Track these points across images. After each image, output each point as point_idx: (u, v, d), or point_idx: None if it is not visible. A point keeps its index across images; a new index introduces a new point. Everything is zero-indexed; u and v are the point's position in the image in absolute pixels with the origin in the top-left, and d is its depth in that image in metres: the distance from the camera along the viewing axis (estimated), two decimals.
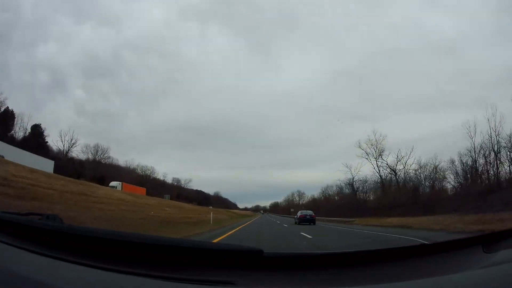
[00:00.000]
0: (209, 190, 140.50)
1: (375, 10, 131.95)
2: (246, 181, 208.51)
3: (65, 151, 71.77)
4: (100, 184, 47.51)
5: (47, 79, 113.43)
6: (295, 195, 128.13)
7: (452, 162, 51.42)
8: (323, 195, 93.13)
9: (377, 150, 64.40)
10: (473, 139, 46.61)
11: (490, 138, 44.78)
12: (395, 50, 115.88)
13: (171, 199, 74.28)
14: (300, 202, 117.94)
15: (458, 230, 15.78)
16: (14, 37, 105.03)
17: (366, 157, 64.82)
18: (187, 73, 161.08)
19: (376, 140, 64.05)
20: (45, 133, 64.44)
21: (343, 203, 72.78)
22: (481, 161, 47.01)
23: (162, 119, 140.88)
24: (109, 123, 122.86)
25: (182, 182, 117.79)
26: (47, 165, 43.00)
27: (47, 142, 64.67)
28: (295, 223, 32.26)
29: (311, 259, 1.47)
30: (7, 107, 57.40)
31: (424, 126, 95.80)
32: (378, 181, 66.61)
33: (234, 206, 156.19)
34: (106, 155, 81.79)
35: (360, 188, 72.20)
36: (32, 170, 26.41)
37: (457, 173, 51.04)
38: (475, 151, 47.13)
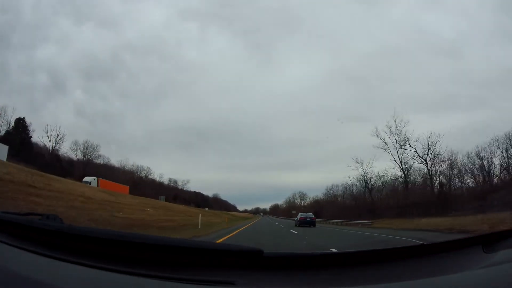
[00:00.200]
0: (208, 192, 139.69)
1: (375, 10, 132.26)
2: (246, 183, 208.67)
3: (51, 148, 68.73)
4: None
5: (46, 80, 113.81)
6: (297, 196, 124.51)
7: (472, 156, 45.11)
8: (327, 196, 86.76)
9: (398, 139, 53.21)
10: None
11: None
12: (395, 50, 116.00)
13: (167, 200, 71.26)
14: (302, 203, 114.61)
15: None
16: (14, 38, 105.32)
17: (384, 147, 53.95)
18: (187, 74, 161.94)
19: (397, 126, 52.66)
20: (31, 128, 62.13)
21: (355, 203, 65.03)
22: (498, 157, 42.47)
23: (161, 120, 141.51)
24: (107, 124, 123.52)
25: (180, 183, 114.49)
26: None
27: (31, 137, 62.48)
28: (295, 225, 32.23)
29: (311, 259, 1.47)
30: None
31: (424, 126, 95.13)
32: (400, 175, 55.55)
33: (233, 208, 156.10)
34: (95, 153, 78.18)
35: (376, 186, 62.92)
36: None
37: (481, 168, 44.53)
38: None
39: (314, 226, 31.23)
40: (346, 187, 74.53)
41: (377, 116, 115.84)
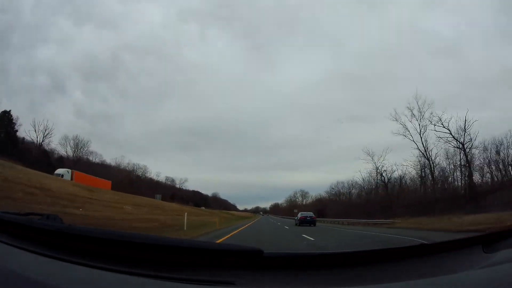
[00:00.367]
0: (208, 191, 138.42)
1: (375, 10, 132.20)
2: (246, 182, 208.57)
3: (38, 142, 64.54)
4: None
5: (46, 81, 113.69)
6: (298, 195, 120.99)
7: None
8: (330, 194, 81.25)
9: (421, 122, 44.01)
10: None
11: None
12: (395, 50, 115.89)
13: (163, 199, 67.00)
14: (304, 202, 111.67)
15: None
16: (13, 38, 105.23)
17: (404, 133, 45.37)
18: (187, 75, 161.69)
19: (420, 109, 43.99)
20: (18, 122, 58.38)
21: (366, 200, 58.76)
22: None
23: (161, 120, 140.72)
24: (106, 124, 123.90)
25: (177, 182, 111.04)
26: None
27: (17, 130, 59.14)
28: (296, 224, 32.27)
29: (311, 259, 1.47)
30: None
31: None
32: (424, 165, 46.65)
33: (233, 207, 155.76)
34: (86, 149, 74.12)
35: (393, 179, 55.45)
36: None
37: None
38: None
39: (315, 225, 31.25)
40: (352, 184, 69.04)
41: (377, 116, 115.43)
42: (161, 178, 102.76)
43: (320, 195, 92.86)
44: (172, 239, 1.68)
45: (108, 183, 57.56)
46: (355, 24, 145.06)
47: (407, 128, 45.57)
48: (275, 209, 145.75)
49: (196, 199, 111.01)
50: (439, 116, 41.51)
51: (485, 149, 40.31)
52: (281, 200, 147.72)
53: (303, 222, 31.11)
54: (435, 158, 44.94)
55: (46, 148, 65.83)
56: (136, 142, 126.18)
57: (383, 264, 1.42)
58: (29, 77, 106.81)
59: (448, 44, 79.98)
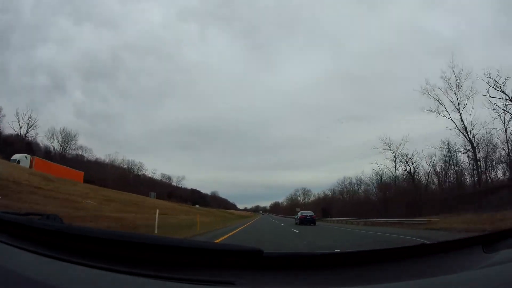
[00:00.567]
0: (208, 190, 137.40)
1: (375, 10, 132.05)
2: (246, 182, 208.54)
3: (22, 134, 61.10)
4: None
5: (46, 81, 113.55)
6: (299, 193, 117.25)
7: None
8: (337, 191, 74.69)
9: (459, 94, 36.79)
10: None
11: None
12: (395, 50, 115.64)
13: (159, 198, 63.97)
14: (306, 200, 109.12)
15: None
16: (13, 38, 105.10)
17: (436, 110, 38.17)
18: (187, 74, 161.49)
19: (456, 78, 36.97)
20: (1, 113, 55.97)
21: (383, 196, 51.41)
22: None
23: (161, 120, 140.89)
24: (106, 124, 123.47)
25: (174, 180, 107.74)
26: None
27: None
28: (296, 223, 32.32)
29: (311, 259, 1.47)
30: None
31: (425, 126, 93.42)
32: (464, 149, 37.81)
33: (233, 206, 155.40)
34: (73, 142, 70.36)
35: (417, 170, 47.64)
36: None
37: None
38: None
39: (314, 224, 31.39)
40: (361, 179, 63.34)
41: (377, 116, 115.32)
42: (157, 175, 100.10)
43: (324, 193, 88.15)
44: (172, 239, 1.68)
45: (80, 174, 51.57)
46: (355, 24, 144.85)
47: (441, 103, 37.58)
48: (276, 208, 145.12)
49: (194, 198, 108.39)
50: (494, 79, 31.08)
51: None
52: (281, 199, 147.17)
53: (303, 221, 31.31)
54: (481, 137, 34.98)
55: (31, 140, 62.80)
56: (136, 142, 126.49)
57: (383, 264, 1.42)
58: (29, 77, 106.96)
59: (448, 44, 79.66)
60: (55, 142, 68.62)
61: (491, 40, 75.48)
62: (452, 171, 43.05)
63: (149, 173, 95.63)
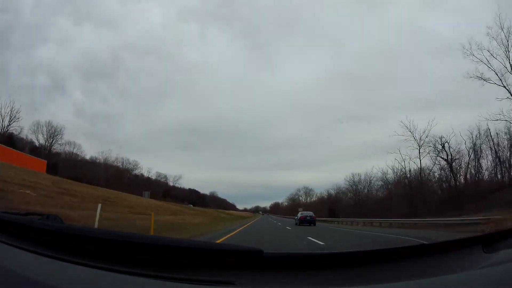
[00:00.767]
0: (207, 190, 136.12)
1: (375, 10, 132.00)
2: (246, 182, 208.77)
3: (4, 126, 56.96)
4: (54, 174, 37.48)
5: (46, 81, 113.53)
6: (301, 192, 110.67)
7: None
8: (342, 190, 68.36)
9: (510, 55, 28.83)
10: None
11: None
12: (395, 49, 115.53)
13: (153, 197, 59.84)
14: (309, 200, 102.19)
15: None
16: (13, 38, 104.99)
17: (482, 76, 30.11)
18: (187, 74, 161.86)
19: (506, 35, 29.43)
20: None
21: (404, 193, 43.71)
22: None
23: (161, 120, 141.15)
24: (106, 124, 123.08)
25: (171, 179, 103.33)
26: None
27: None
28: (296, 224, 32.34)
29: (311, 259, 1.47)
30: None
31: (424, 125, 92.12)
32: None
33: (232, 207, 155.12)
34: (59, 136, 65.33)
35: (460, 157, 37.85)
36: None
37: None
38: None
39: (315, 224, 31.43)
40: (371, 176, 57.03)
41: (377, 116, 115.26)
42: (153, 174, 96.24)
43: (327, 192, 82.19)
44: (172, 239, 1.68)
45: (42, 163, 45.24)
46: (355, 24, 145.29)
47: (489, 65, 29.22)
48: (276, 209, 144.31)
49: (192, 198, 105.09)
50: None
51: None
52: (281, 199, 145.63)
53: (303, 221, 31.42)
54: None
55: (14, 133, 58.46)
56: (136, 141, 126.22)
57: (383, 264, 1.42)
58: (29, 77, 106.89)
59: (448, 44, 79.54)
60: (40, 136, 64.40)
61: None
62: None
63: (144, 172, 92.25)
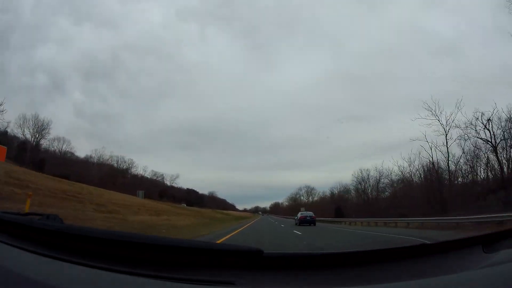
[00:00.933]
0: (206, 191, 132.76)
1: (375, 10, 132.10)
2: (245, 182, 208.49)
3: None
4: (40, 171, 34.80)
5: (45, 81, 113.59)
6: (303, 191, 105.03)
7: None
8: (354, 187, 61.19)
9: None
10: None
11: None
12: (395, 49, 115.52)
13: (149, 197, 57.07)
14: (311, 199, 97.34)
15: None
16: (13, 38, 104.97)
17: None
18: (187, 74, 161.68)
19: None
20: None
21: (437, 187, 35.81)
22: None
23: (161, 120, 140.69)
24: (106, 124, 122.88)
25: (168, 178, 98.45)
26: None
27: None
28: (296, 224, 32.37)
29: (311, 259, 1.47)
30: None
31: (424, 125, 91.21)
32: None
33: (231, 207, 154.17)
34: (46, 130, 60.13)
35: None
36: None
37: None
38: None
39: (314, 224, 31.52)
40: (380, 171, 51.47)
41: (377, 115, 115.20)
42: (149, 173, 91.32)
43: (331, 191, 75.80)
44: (172, 239, 1.68)
45: (2, 150, 41.05)
46: (355, 24, 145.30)
47: None
48: (276, 209, 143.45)
49: (190, 198, 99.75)
50: None
51: None
52: (281, 199, 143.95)
53: (303, 221, 31.52)
54: None
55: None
56: (135, 141, 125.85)
57: (383, 264, 1.42)
58: (28, 77, 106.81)
59: (448, 44, 79.59)
60: (27, 131, 59.02)
61: (491, 39, 75.15)
62: None
63: (140, 171, 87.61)
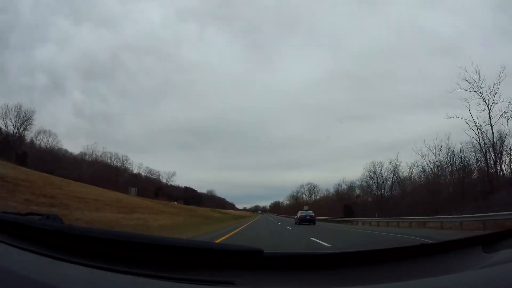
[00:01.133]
0: (204, 189, 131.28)
1: (375, 10, 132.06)
2: (245, 182, 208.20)
3: None
4: (22, 165, 32.92)
5: (45, 81, 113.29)
6: (305, 189, 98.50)
7: None
8: (366, 184, 53.30)
9: None
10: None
11: None
12: (395, 49, 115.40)
13: (142, 195, 53.69)
14: (313, 197, 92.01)
15: None
16: (12, 38, 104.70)
17: None
18: (186, 74, 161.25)
19: None
20: None
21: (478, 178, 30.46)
22: None
23: (161, 120, 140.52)
24: (106, 123, 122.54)
25: (164, 176, 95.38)
26: None
27: None
28: (295, 223, 32.41)
29: (311, 259, 1.47)
30: None
31: (423, 124, 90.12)
32: None
33: (231, 206, 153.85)
34: (29, 120, 55.40)
35: None
36: None
37: None
38: None
39: (314, 223, 31.57)
40: (394, 164, 45.60)
41: (378, 116, 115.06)
42: (143, 170, 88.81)
43: (336, 188, 69.32)
44: (172, 239, 1.68)
45: None
46: (355, 24, 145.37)
47: None
48: (276, 208, 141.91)
49: (187, 196, 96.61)
50: None
51: None
52: (282, 198, 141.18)
53: (303, 221, 31.64)
54: None
55: None
56: (135, 141, 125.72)
57: (383, 264, 1.42)
58: (28, 76, 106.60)
59: (448, 43, 79.47)
60: (9, 122, 54.49)
61: (491, 38, 75.04)
62: None
63: (134, 168, 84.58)
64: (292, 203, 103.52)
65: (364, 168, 54.72)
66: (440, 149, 37.62)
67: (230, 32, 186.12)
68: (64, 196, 24.32)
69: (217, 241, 12.49)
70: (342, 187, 66.11)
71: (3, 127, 53.84)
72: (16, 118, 54.44)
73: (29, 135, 57.52)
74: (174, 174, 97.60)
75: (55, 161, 52.04)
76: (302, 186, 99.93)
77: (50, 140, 62.00)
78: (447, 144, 37.13)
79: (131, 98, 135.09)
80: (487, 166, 30.33)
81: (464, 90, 30.84)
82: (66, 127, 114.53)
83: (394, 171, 48.31)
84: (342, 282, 1.33)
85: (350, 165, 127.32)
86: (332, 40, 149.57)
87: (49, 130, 61.85)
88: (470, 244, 1.58)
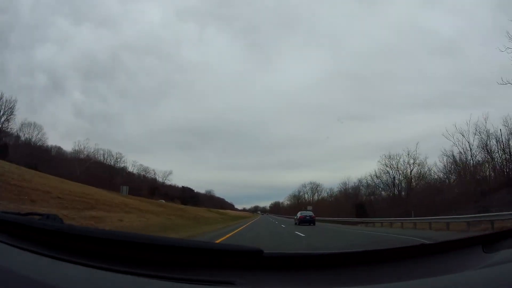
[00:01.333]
0: (204, 190, 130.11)
1: (374, 9, 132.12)
2: (245, 182, 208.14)
3: None
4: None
5: (45, 81, 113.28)
6: (307, 188, 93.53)
7: None
8: (379, 177, 46.74)
9: None
10: None
11: None
12: (395, 49, 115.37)
13: (134, 193, 50.37)
14: (316, 197, 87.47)
15: None
16: (12, 38, 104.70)
17: None
18: (186, 74, 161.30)
19: None
20: None
21: None
22: None
23: (161, 119, 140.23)
24: (106, 123, 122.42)
25: (160, 174, 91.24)
26: None
27: None
28: (295, 223, 32.45)
29: (311, 259, 1.47)
30: None
31: (423, 123, 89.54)
32: None
33: (230, 206, 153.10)
34: (9, 111, 49.36)
35: None
36: None
37: None
38: None
39: (314, 224, 31.65)
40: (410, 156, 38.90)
41: (378, 115, 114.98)
42: (138, 168, 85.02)
43: (344, 187, 63.01)
44: (172, 239, 1.68)
45: None
46: (355, 24, 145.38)
47: None
48: (276, 208, 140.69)
49: (185, 196, 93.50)
50: None
51: None
52: (282, 199, 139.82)
53: (303, 221, 31.74)
54: None
55: None
56: (135, 141, 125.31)
57: (383, 264, 1.42)
58: (28, 76, 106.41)
59: (448, 43, 79.41)
60: None
61: (491, 38, 74.85)
62: None
63: (129, 166, 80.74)
64: (293, 203, 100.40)
65: (378, 162, 49.04)
66: (475, 134, 31.52)
67: (230, 32, 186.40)
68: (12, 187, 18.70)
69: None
70: (348, 185, 60.93)
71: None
72: None
73: (12, 127, 52.44)
74: (170, 173, 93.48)
75: (38, 156, 48.49)
76: (304, 185, 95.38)
77: (35, 133, 57.64)
78: (485, 127, 30.89)
79: (131, 98, 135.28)
80: None
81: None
82: (66, 127, 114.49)
83: (412, 162, 41.83)
84: (342, 282, 1.32)
85: (351, 165, 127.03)
86: (332, 40, 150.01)
87: (34, 122, 57.61)
88: (470, 244, 1.58)
